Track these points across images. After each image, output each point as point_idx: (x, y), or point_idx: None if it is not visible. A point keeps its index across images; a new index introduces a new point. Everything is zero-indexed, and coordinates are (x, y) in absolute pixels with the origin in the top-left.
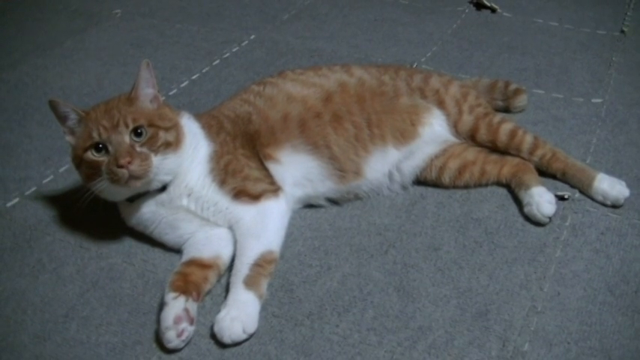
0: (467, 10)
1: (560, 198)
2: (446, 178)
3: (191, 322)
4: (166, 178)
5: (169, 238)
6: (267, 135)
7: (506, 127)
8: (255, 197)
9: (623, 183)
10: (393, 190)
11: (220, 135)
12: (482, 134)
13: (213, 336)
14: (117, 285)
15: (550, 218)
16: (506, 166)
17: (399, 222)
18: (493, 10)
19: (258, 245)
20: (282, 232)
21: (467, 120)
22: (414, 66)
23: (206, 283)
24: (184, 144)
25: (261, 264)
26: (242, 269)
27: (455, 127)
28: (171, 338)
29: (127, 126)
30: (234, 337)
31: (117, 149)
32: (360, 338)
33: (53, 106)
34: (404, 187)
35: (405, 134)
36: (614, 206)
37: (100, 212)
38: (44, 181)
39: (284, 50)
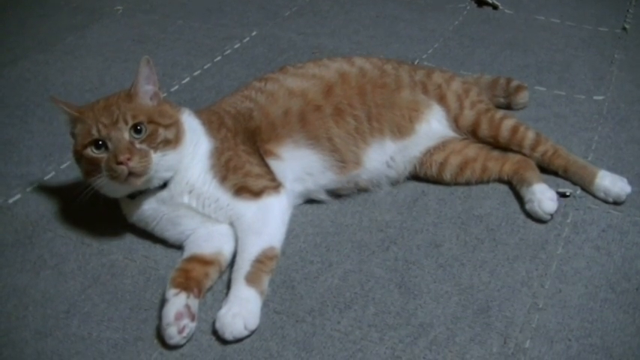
0: (468, 7)
1: (562, 195)
2: (447, 175)
3: (192, 318)
4: (166, 175)
5: (170, 234)
6: (268, 131)
7: (508, 123)
8: (256, 194)
9: (625, 180)
10: (390, 178)
11: (221, 131)
12: (484, 130)
13: (215, 332)
14: (118, 281)
15: (551, 215)
16: (508, 163)
17: (400, 218)
18: (495, 7)
19: (260, 241)
20: (283, 228)
21: (468, 115)
22: (416, 62)
23: (207, 279)
24: (184, 141)
25: (262, 260)
26: (243, 266)
27: (456, 122)
28: (173, 334)
29: (126, 123)
30: (236, 333)
31: (116, 146)
32: (362, 335)
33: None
34: (400, 177)
35: (401, 130)
36: (616, 203)
37: (101, 209)
38: (46, 178)
39: (285, 47)
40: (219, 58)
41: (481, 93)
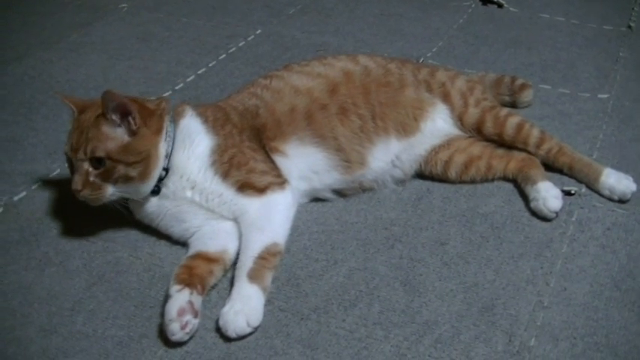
0: (473, 5)
1: (567, 193)
2: (452, 173)
3: (195, 314)
4: (140, 194)
5: (175, 230)
6: (274, 128)
7: (512, 121)
8: (260, 190)
9: (630, 178)
10: (395, 177)
11: (226, 127)
12: (489, 127)
13: (219, 330)
14: (123, 278)
15: (556, 213)
16: (513, 161)
17: (405, 216)
18: (499, 5)
19: (263, 238)
20: (287, 224)
21: (473, 113)
22: (420, 61)
23: (211, 276)
24: (153, 175)
25: (265, 257)
26: (246, 262)
27: (460, 120)
28: (175, 330)
29: (85, 154)
30: (239, 330)
31: (74, 172)
32: (367, 332)
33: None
34: (406, 176)
35: (406, 128)
36: (621, 201)
37: (106, 205)
38: (51, 175)
39: (290, 44)
40: (223, 56)
41: (485, 91)
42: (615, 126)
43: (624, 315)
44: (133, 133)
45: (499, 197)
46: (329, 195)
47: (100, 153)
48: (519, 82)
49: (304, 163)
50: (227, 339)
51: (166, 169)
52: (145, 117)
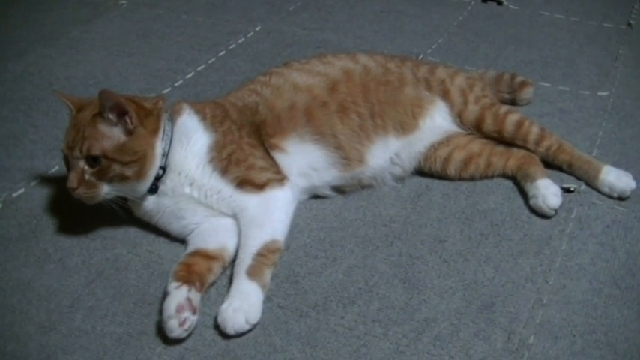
0: (473, 2)
1: (566, 190)
2: (451, 170)
3: (193, 311)
4: (138, 193)
5: (174, 227)
6: (274, 125)
7: (512, 118)
8: (259, 186)
9: (630, 175)
10: (395, 175)
11: (224, 124)
12: (489, 124)
13: (218, 327)
14: (122, 275)
15: (556, 211)
16: (512, 158)
17: (404, 214)
18: (499, 3)
19: (262, 234)
20: (286, 221)
21: (473, 110)
22: (420, 58)
23: (210, 273)
24: (148, 175)
25: (264, 253)
26: (245, 259)
27: (460, 117)
28: (174, 327)
29: (81, 152)
30: (237, 327)
31: (70, 170)
32: (366, 330)
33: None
34: (406, 173)
35: (405, 126)
36: (621, 199)
37: (102, 204)
38: (50, 172)
39: (290, 41)
40: (223, 52)
41: (485, 88)
42: (615, 123)
43: (623, 312)
44: (129, 133)
45: (498, 194)
46: (328, 192)
47: (96, 152)
48: (519, 79)
49: (303, 160)
50: (226, 336)
51: (164, 168)
52: (142, 117)
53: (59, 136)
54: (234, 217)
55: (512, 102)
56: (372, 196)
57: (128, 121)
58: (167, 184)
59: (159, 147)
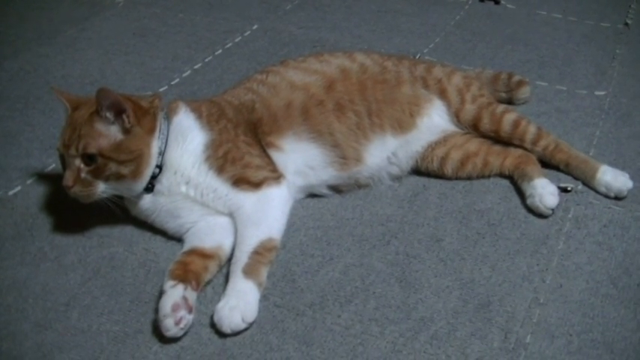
0: (470, 2)
1: (563, 190)
2: (448, 169)
3: (189, 310)
4: (134, 191)
5: (170, 226)
6: (270, 123)
7: (509, 117)
8: (255, 185)
9: (627, 175)
10: (392, 174)
11: (220, 122)
12: (485, 124)
13: (214, 325)
14: (118, 274)
15: (553, 210)
16: (509, 158)
17: (401, 212)
18: (496, 2)
19: (258, 233)
20: (283, 219)
21: (469, 109)
22: (417, 57)
23: (206, 272)
24: (144, 173)
25: (260, 252)
26: (241, 258)
27: (457, 116)
28: (169, 326)
29: (77, 150)
30: (234, 326)
31: (65, 168)
32: (362, 329)
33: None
34: (403, 172)
35: (402, 125)
36: (617, 198)
37: (98, 202)
38: (46, 170)
39: (287, 40)
40: (220, 51)
41: (482, 87)
42: (612, 123)
43: (620, 312)
44: (126, 132)
45: (495, 194)
46: (325, 191)
47: (92, 150)
48: (516, 78)
49: (300, 159)
50: (222, 335)
51: (160, 167)
52: (139, 115)
53: (55, 134)
54: (231, 215)
55: (510, 101)
56: (369, 195)
57: (125, 119)
58: (163, 182)
59: (155, 146)
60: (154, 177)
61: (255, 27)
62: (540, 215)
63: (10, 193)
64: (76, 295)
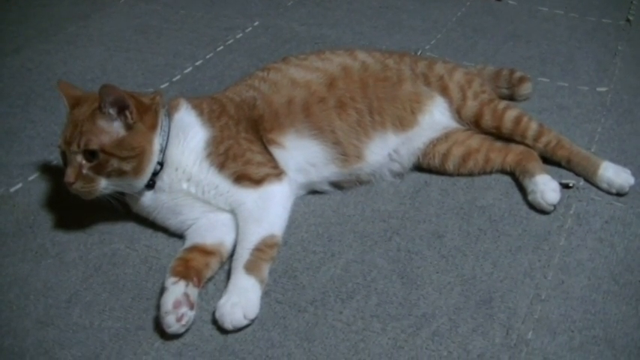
0: None
1: (565, 186)
2: (450, 166)
3: (191, 307)
4: (135, 188)
5: (171, 223)
6: (271, 120)
7: (511, 114)
8: (257, 181)
9: (629, 171)
10: (393, 171)
11: (222, 119)
12: (487, 120)
13: (216, 322)
14: (120, 270)
15: (554, 206)
16: (511, 154)
17: (402, 209)
18: None
19: (259, 230)
20: (284, 215)
21: (471, 106)
22: (419, 53)
23: (207, 269)
24: (146, 170)
25: (262, 249)
26: (243, 254)
27: (459, 113)
28: (171, 323)
29: (78, 146)
30: (235, 322)
31: (67, 165)
32: (364, 325)
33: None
34: (404, 169)
35: (403, 122)
36: (619, 194)
37: (100, 199)
38: (48, 167)
39: (288, 37)
40: (221, 48)
41: (484, 84)
42: (614, 119)
43: (622, 308)
44: (128, 128)
45: (497, 190)
46: (326, 188)
47: (94, 146)
48: (518, 74)
49: (301, 156)
50: (224, 331)
51: (161, 163)
52: (141, 112)
53: (57, 131)
54: (232, 212)
55: (511, 98)
56: (371, 192)
57: (128, 115)
58: (164, 179)
59: (157, 142)
60: (155, 174)
61: (256, 24)
62: (542, 211)
63: (12, 189)
64: (77, 292)
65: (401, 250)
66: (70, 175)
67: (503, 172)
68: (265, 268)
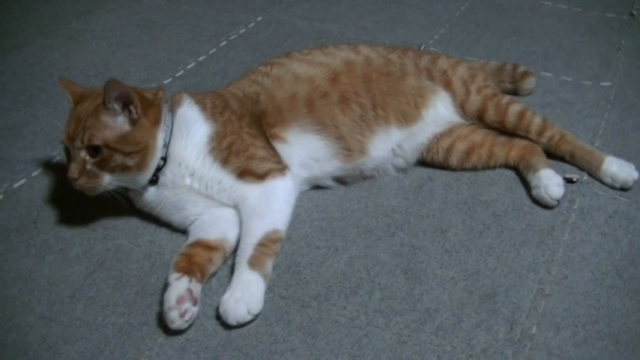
0: None
1: (569, 181)
2: (453, 160)
3: (194, 302)
4: (139, 184)
5: (175, 218)
6: (275, 115)
7: (514, 108)
8: (260, 176)
9: (632, 166)
10: (397, 166)
11: (225, 114)
12: (491, 115)
13: (219, 317)
14: (123, 266)
15: (558, 201)
16: (515, 149)
17: (406, 204)
18: None
19: (263, 225)
20: (288, 210)
21: (474, 100)
22: (422, 48)
23: (211, 264)
24: (150, 165)
25: (265, 244)
26: (246, 249)
27: (462, 107)
28: (174, 318)
29: (82, 142)
30: (239, 318)
31: (70, 161)
32: (367, 320)
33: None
34: (408, 164)
35: (407, 117)
36: (623, 189)
37: (104, 194)
38: (51, 162)
39: (291, 32)
40: (224, 43)
41: (487, 78)
42: (617, 114)
43: (626, 303)
44: (132, 123)
45: (501, 185)
46: (330, 183)
47: (98, 141)
48: (521, 69)
49: (305, 151)
50: (227, 326)
51: (164, 159)
52: (145, 107)
53: (60, 126)
54: (236, 207)
55: (515, 92)
56: (374, 187)
57: (133, 110)
58: (167, 175)
59: (160, 138)
60: (158, 169)
61: (259, 19)
62: (546, 206)
63: (15, 185)
64: (80, 288)
65: (404, 245)
66: (73, 170)
67: (506, 166)
68: (269, 264)
